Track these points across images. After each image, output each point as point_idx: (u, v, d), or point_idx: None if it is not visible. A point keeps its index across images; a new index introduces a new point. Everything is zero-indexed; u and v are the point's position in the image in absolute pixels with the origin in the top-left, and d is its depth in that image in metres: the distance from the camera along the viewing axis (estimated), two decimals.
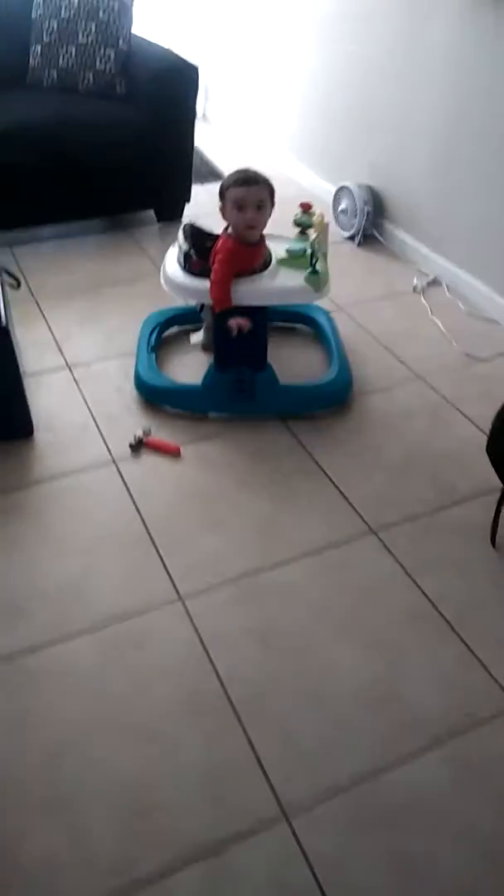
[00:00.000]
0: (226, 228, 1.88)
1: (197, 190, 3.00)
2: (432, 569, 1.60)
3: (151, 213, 2.98)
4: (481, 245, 2.44)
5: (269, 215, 1.86)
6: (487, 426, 1.66)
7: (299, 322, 2.36)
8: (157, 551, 1.63)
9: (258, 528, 1.69)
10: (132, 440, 1.91)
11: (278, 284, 1.88)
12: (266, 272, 1.90)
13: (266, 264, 1.91)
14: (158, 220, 2.98)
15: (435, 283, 2.60)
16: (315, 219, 2.00)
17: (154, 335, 2.22)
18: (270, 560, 1.62)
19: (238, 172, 1.84)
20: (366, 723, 1.32)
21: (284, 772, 1.24)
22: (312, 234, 1.98)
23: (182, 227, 1.95)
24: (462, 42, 2.29)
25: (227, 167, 3.36)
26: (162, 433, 1.94)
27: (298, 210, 2.03)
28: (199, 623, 1.48)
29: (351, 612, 1.52)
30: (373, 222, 2.83)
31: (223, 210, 1.84)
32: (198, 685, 1.37)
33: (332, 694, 1.36)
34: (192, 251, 1.89)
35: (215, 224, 1.93)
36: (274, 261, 1.92)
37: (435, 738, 1.29)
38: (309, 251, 1.91)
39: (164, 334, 2.29)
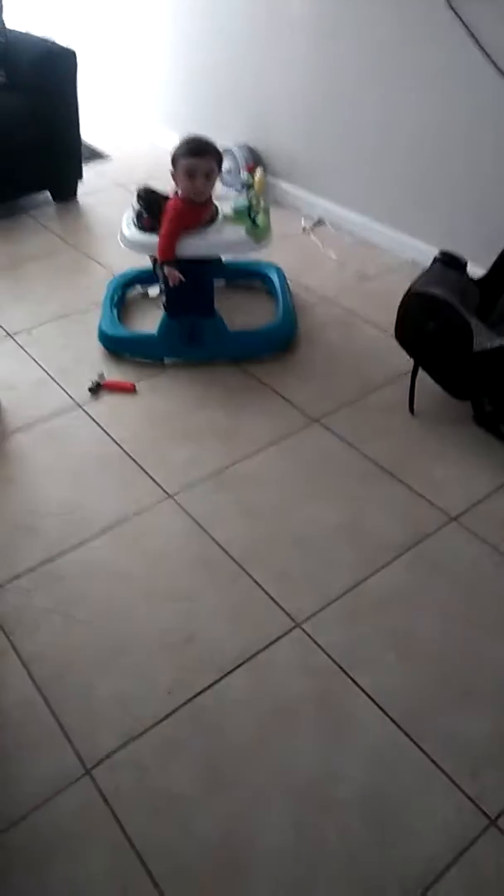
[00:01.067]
0: (176, 190, 2.07)
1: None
2: (368, 439, 1.95)
3: (48, 194, 3.15)
4: (353, 183, 2.81)
5: (214, 184, 2.05)
6: (388, 327, 2.03)
7: (256, 278, 2.56)
8: (139, 465, 1.88)
9: (220, 435, 1.98)
10: (90, 384, 2.13)
11: (221, 237, 2.09)
12: (212, 227, 2.09)
13: (212, 220, 2.10)
14: (55, 200, 3.16)
15: (320, 222, 2.95)
16: (257, 178, 2.23)
17: (116, 295, 2.41)
18: (237, 456, 1.90)
19: (189, 142, 2.03)
20: (343, 552, 1.64)
21: (288, 596, 1.55)
22: (253, 191, 2.19)
23: (137, 190, 2.13)
24: (312, 11, 2.63)
25: (108, 147, 3.60)
26: (117, 377, 2.18)
27: (244, 172, 2.28)
28: (190, 510, 1.75)
29: (314, 478, 1.84)
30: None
31: (174, 176, 2.03)
32: (203, 552, 1.65)
33: (313, 535, 1.68)
34: (143, 210, 2.10)
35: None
36: (220, 217, 2.12)
37: (398, 552, 1.64)
38: (246, 207, 2.11)
39: (127, 294, 2.49)
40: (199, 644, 1.46)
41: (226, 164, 3.19)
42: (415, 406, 2.03)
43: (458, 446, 1.93)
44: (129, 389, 2.14)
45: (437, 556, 1.64)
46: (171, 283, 2.08)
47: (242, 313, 2.40)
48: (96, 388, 2.13)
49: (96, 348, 2.27)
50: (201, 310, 2.19)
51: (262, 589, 1.57)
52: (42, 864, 1.15)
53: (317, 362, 2.24)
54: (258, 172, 2.28)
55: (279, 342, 2.29)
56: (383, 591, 1.56)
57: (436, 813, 1.21)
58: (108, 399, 2.11)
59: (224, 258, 2.30)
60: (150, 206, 2.11)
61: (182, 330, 2.21)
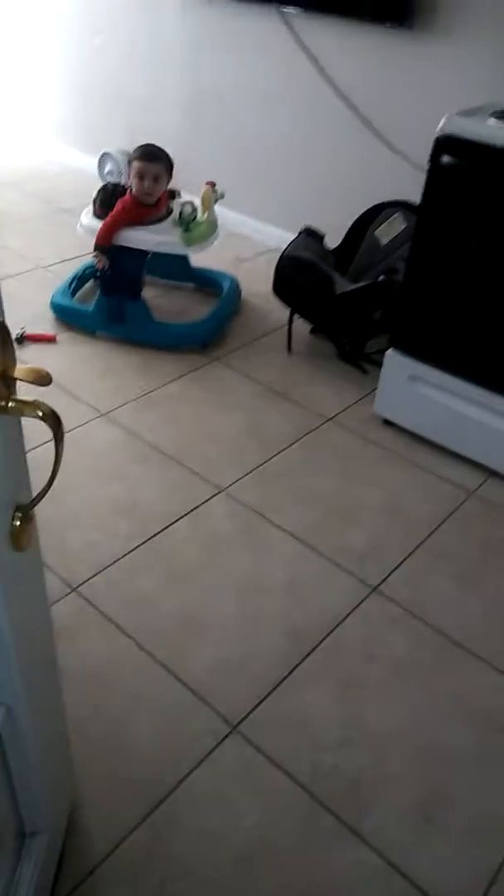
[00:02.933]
0: (131, 188, 2.39)
1: None
2: (258, 370, 2.45)
3: None
4: (223, 182, 3.34)
5: (166, 185, 2.36)
6: (265, 295, 2.58)
7: (213, 286, 2.86)
8: (72, 393, 2.25)
9: (138, 371, 2.40)
10: (15, 336, 2.47)
11: (152, 235, 2.41)
12: (158, 226, 2.41)
13: (160, 220, 2.42)
14: None
15: None
16: (202, 192, 2.54)
17: (77, 280, 2.73)
18: (155, 385, 2.33)
19: (142, 147, 2.33)
20: (250, 444, 2.12)
21: (213, 473, 2.00)
22: (196, 203, 2.51)
23: (104, 184, 2.48)
24: (185, 34, 3.16)
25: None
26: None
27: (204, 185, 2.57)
28: (123, 423, 2.15)
29: (219, 398, 2.31)
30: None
31: (129, 176, 2.35)
32: (139, 452, 2.06)
33: (225, 435, 2.15)
34: (97, 200, 2.45)
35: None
36: (169, 220, 2.44)
37: (291, 441, 2.14)
38: (178, 216, 2.44)
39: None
40: (146, 507, 1.87)
41: (107, 167, 3.64)
42: (292, 348, 2.57)
43: (327, 374, 2.48)
44: (51, 339, 2.51)
45: (319, 442, 2.16)
46: (96, 266, 2.45)
47: (187, 310, 2.74)
48: (21, 339, 2.47)
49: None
50: (128, 293, 2.49)
51: (192, 470, 2.00)
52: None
53: None
54: (204, 188, 2.55)
55: (193, 339, 2.56)
56: (283, 466, 2.06)
57: (333, 587, 1.70)
58: (32, 347, 2.46)
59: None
60: (108, 199, 2.43)
61: (111, 308, 2.51)
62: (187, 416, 2.22)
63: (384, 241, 2.57)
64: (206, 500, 1.91)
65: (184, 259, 2.81)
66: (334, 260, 2.57)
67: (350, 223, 2.60)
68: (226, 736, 1.38)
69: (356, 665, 1.54)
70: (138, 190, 2.35)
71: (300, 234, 2.54)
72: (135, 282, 2.53)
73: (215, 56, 3.13)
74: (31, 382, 0.61)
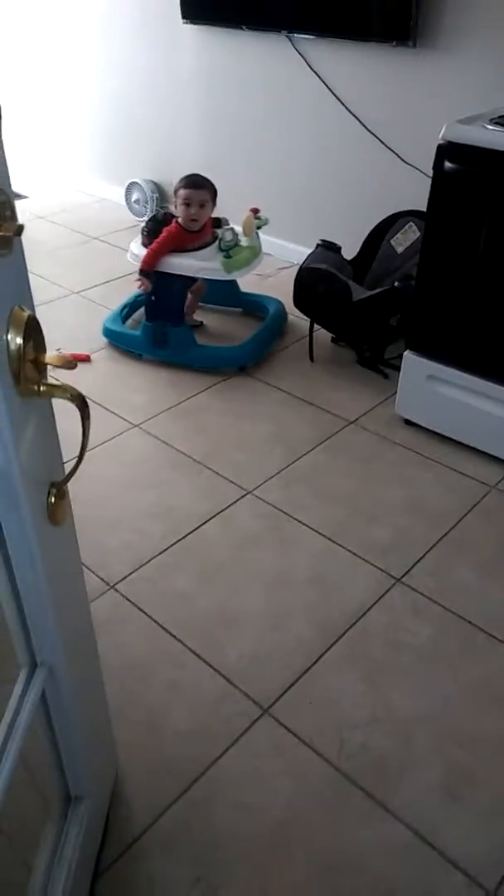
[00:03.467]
0: (177, 217, 2.49)
1: None
2: (282, 379, 2.54)
3: None
4: (246, 204, 3.47)
5: (211, 212, 2.46)
6: (290, 308, 2.69)
7: (259, 310, 2.91)
8: (105, 408, 2.36)
9: (167, 385, 2.51)
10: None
11: (195, 262, 2.48)
12: (201, 252, 2.49)
13: (204, 247, 2.50)
14: None
15: None
16: (243, 219, 2.60)
17: (128, 307, 2.84)
18: (182, 398, 2.44)
19: (188, 177, 2.44)
20: (274, 449, 2.21)
21: (240, 477, 2.09)
22: (238, 230, 2.58)
23: (154, 213, 2.60)
24: (199, 65, 3.32)
25: (26, 188, 4.13)
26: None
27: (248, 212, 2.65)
28: (156, 434, 2.26)
29: (244, 407, 2.40)
30: (161, 206, 3.76)
31: (175, 204, 2.46)
32: (171, 458, 2.16)
33: (250, 442, 2.24)
34: (145, 230, 2.55)
35: None
36: (213, 246, 2.49)
37: (313, 445, 2.21)
38: (223, 243, 2.50)
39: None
40: (179, 510, 1.97)
41: (135, 195, 3.81)
42: (314, 356, 2.66)
43: (348, 380, 2.55)
44: (86, 360, 2.64)
45: (341, 444, 2.23)
46: (138, 289, 2.56)
47: (232, 334, 2.80)
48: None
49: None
50: (171, 318, 2.58)
51: (220, 475, 2.09)
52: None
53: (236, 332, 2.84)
54: (246, 215, 2.62)
55: (232, 362, 2.61)
56: (307, 468, 2.13)
57: (358, 580, 1.76)
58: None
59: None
60: (157, 227, 2.51)
61: (156, 333, 2.59)
62: (215, 425, 2.32)
63: (399, 249, 2.66)
64: (235, 502, 1.99)
65: (232, 284, 2.87)
66: (352, 270, 2.66)
67: (366, 235, 2.70)
68: (257, 718, 1.44)
69: (382, 652, 1.59)
70: (184, 216, 2.45)
71: (317, 247, 2.64)
72: (177, 307, 2.60)
73: (229, 84, 3.27)
74: (60, 367, 0.71)
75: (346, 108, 2.90)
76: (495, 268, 1.90)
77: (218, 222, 2.63)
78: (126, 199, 3.86)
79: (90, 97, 3.94)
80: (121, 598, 1.70)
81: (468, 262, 1.94)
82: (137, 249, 2.59)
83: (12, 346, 0.68)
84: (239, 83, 3.23)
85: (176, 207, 2.49)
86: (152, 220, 2.61)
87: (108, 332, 2.77)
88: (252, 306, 2.98)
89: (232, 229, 2.59)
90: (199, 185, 2.45)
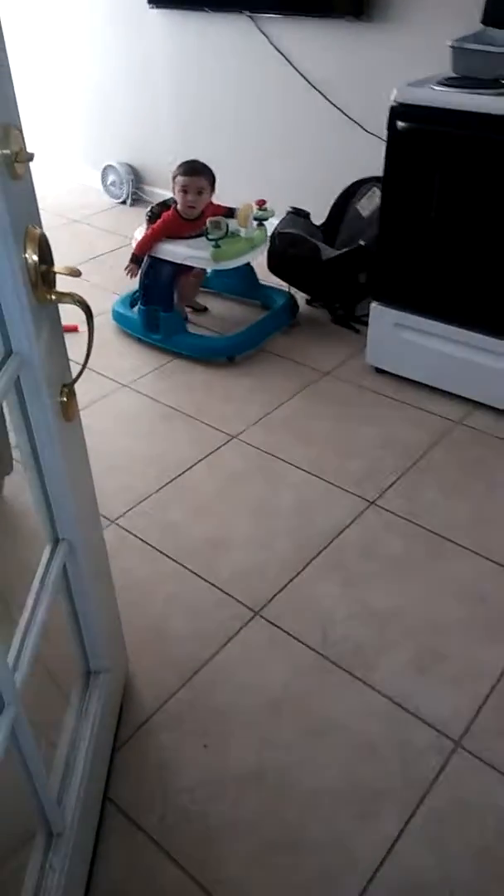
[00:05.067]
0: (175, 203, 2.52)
1: None
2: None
3: None
4: (220, 180, 3.63)
5: (208, 199, 2.46)
6: (267, 275, 2.81)
7: (268, 302, 2.88)
8: (94, 370, 2.53)
9: (149, 346, 2.68)
10: None
11: (184, 249, 2.49)
12: (193, 241, 2.49)
13: (200, 235, 2.48)
14: None
15: None
16: (240, 211, 2.55)
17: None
18: (169, 358, 2.61)
19: (186, 163, 2.43)
20: (253, 399, 2.38)
21: (223, 424, 2.26)
22: (232, 222, 2.54)
23: (162, 200, 2.64)
24: (166, 47, 3.47)
25: None
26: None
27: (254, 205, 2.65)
28: (145, 392, 2.43)
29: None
30: (136, 187, 3.92)
31: (173, 191, 2.47)
32: (161, 411, 2.33)
33: (234, 392, 2.41)
34: (148, 213, 2.63)
35: None
36: (206, 236, 2.46)
37: (293, 393, 2.39)
38: (219, 234, 2.46)
39: None
40: (170, 456, 2.15)
41: (110, 178, 3.95)
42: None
43: (323, 337, 2.73)
44: (73, 329, 2.78)
45: (317, 393, 2.42)
46: (125, 272, 2.64)
47: (240, 324, 2.74)
48: None
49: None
50: (161, 303, 2.62)
51: (207, 424, 2.27)
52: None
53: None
54: (243, 205, 2.58)
55: (219, 352, 2.64)
56: (286, 414, 2.32)
57: (335, 505, 1.95)
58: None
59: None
60: (160, 213, 2.56)
61: (149, 317, 2.65)
62: (199, 382, 2.49)
63: (365, 213, 2.82)
64: (221, 446, 2.17)
65: (250, 275, 2.87)
66: (322, 234, 2.83)
67: (333, 201, 2.87)
68: (250, 619, 1.63)
69: (358, 562, 1.78)
70: (182, 203, 2.48)
71: (287, 214, 2.81)
72: (167, 294, 2.62)
73: (197, 65, 3.42)
74: (68, 275, 0.88)
75: (309, 82, 3.06)
76: (449, 218, 2.08)
77: (231, 212, 2.62)
78: (102, 182, 4.00)
79: (64, 84, 4.07)
80: (122, 531, 1.88)
81: (424, 214, 2.11)
82: (139, 235, 2.62)
83: (29, 260, 0.85)
84: (206, 64, 3.38)
85: (174, 194, 2.52)
86: (159, 205, 2.63)
87: (115, 314, 2.81)
88: (264, 298, 2.93)
89: (223, 220, 2.52)
90: (196, 172, 2.44)
